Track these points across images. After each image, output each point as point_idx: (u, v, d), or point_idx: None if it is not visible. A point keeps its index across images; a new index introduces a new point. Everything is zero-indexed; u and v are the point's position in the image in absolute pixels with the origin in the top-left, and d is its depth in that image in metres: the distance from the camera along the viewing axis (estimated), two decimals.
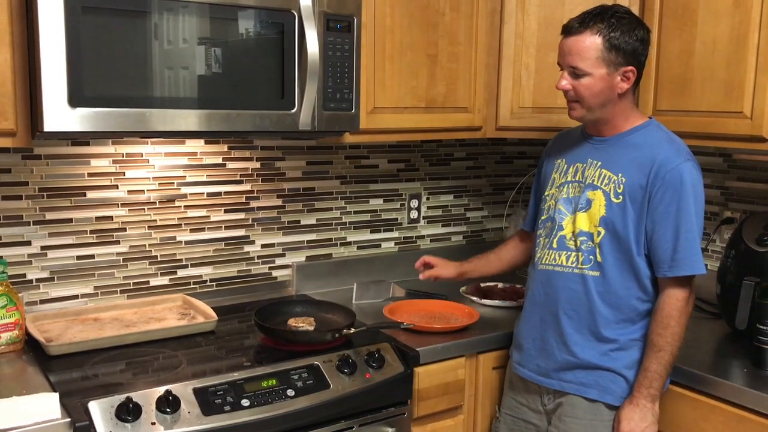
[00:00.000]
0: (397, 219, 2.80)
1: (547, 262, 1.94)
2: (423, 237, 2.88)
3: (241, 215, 2.46)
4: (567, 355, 1.89)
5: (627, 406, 1.82)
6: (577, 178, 1.92)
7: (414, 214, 2.83)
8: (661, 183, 1.77)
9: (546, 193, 2.01)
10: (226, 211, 2.43)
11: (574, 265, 1.88)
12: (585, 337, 1.87)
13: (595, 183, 1.87)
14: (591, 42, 1.79)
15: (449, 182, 2.91)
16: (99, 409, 1.60)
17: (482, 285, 2.58)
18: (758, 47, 1.98)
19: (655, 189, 1.78)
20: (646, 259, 1.82)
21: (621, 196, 1.82)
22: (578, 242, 1.87)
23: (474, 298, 2.48)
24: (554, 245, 1.92)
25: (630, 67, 1.81)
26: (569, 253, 1.89)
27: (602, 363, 1.86)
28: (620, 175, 1.83)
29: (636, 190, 1.80)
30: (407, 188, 2.81)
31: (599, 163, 1.88)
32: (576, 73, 1.82)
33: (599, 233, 1.84)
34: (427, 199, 2.86)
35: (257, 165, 2.46)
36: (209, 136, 2.30)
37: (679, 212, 1.76)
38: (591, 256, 1.85)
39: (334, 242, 2.67)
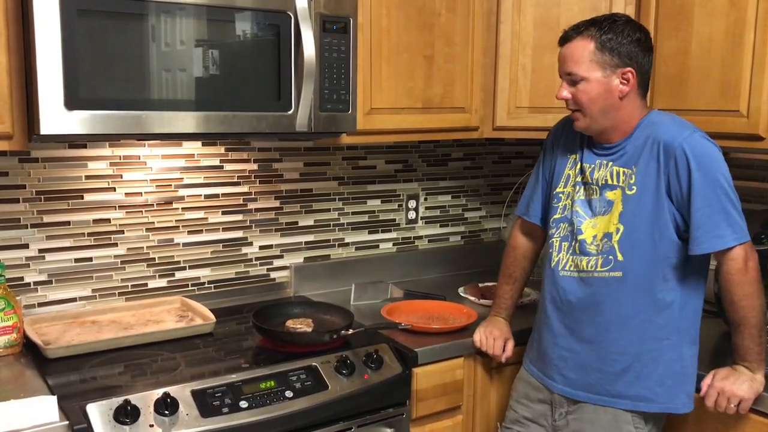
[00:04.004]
0: (395, 220, 2.80)
1: (570, 268, 1.88)
2: (421, 237, 2.88)
3: (239, 217, 2.46)
4: (597, 371, 1.83)
5: (725, 368, 1.78)
6: (586, 179, 1.87)
7: (412, 215, 2.83)
8: (674, 164, 1.72)
9: (560, 191, 1.95)
10: (223, 213, 2.43)
11: (593, 268, 1.83)
12: (612, 345, 1.82)
13: (610, 182, 1.82)
14: (583, 46, 1.77)
15: (447, 183, 2.91)
16: (97, 412, 1.60)
17: (480, 285, 2.58)
18: (754, 46, 1.98)
19: (669, 171, 1.73)
20: (668, 246, 1.77)
21: (634, 187, 1.78)
22: (601, 245, 1.82)
23: (472, 299, 2.48)
24: (576, 250, 1.86)
25: (628, 69, 1.76)
26: (589, 258, 1.84)
27: (633, 370, 1.80)
28: (633, 166, 1.79)
29: (648, 176, 1.76)
30: (405, 189, 2.81)
31: (610, 163, 1.83)
32: (573, 80, 1.79)
33: (618, 230, 1.80)
34: (425, 199, 2.86)
35: (254, 167, 2.46)
36: (206, 138, 2.30)
37: (691, 189, 1.71)
38: (611, 257, 1.80)
39: (332, 243, 2.67)
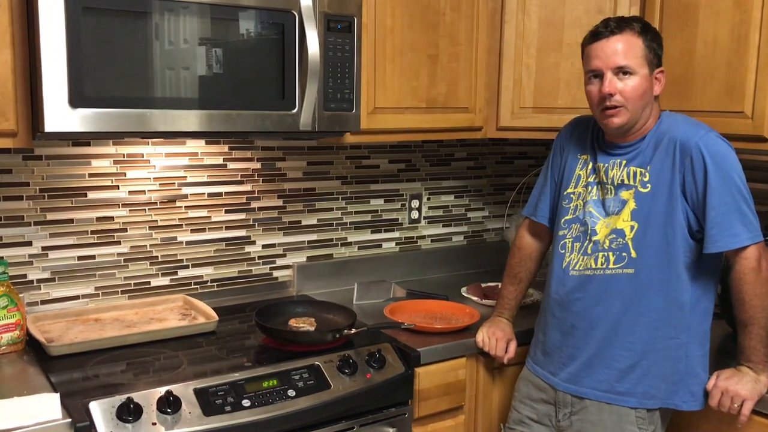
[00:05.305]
0: (397, 219, 2.80)
1: (580, 267, 1.87)
2: (424, 237, 2.88)
3: (242, 215, 2.46)
4: (605, 368, 1.83)
5: (729, 369, 1.79)
6: (601, 178, 1.87)
7: (415, 215, 2.83)
8: (690, 162, 1.73)
9: (570, 191, 1.94)
10: (226, 212, 2.43)
11: (604, 266, 1.83)
12: (621, 342, 1.81)
13: (626, 182, 1.82)
14: (633, 41, 1.76)
15: (450, 182, 2.91)
16: (100, 410, 1.60)
17: (483, 285, 2.58)
18: (759, 47, 1.98)
19: (684, 169, 1.74)
20: (681, 244, 1.76)
21: (648, 185, 1.78)
22: (614, 243, 1.81)
23: (475, 299, 2.48)
24: (588, 251, 1.86)
25: (661, 69, 1.81)
26: (597, 254, 1.84)
27: (640, 367, 1.80)
28: (647, 165, 1.79)
29: (663, 174, 1.77)
30: (408, 188, 2.81)
31: (624, 162, 1.83)
32: (624, 72, 1.76)
33: (632, 228, 1.80)
34: (428, 199, 2.86)
35: (258, 165, 2.46)
36: (210, 137, 2.30)
37: (707, 188, 1.71)
38: (624, 254, 1.80)
39: (334, 242, 2.67)
